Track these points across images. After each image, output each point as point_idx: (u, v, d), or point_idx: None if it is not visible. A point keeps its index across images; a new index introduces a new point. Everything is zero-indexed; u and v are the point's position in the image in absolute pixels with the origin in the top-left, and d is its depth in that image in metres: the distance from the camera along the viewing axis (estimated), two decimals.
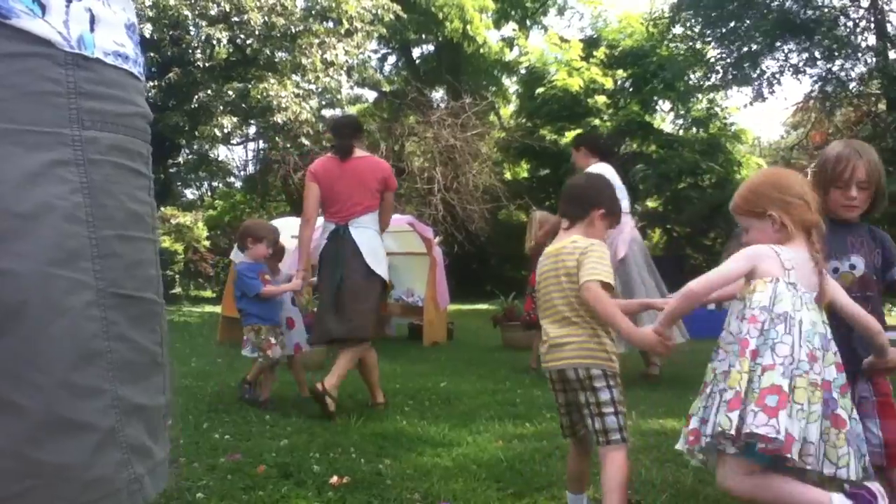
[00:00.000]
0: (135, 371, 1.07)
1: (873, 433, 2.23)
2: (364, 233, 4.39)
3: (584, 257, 2.30)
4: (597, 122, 16.99)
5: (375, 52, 21.82)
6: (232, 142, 17.04)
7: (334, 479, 2.83)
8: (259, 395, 4.54)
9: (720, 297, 2.20)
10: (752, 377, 1.87)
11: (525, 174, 21.48)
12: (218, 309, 10.76)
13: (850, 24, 14.75)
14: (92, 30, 1.05)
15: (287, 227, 6.26)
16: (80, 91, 1.01)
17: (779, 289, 1.97)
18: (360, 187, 4.42)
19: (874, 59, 14.48)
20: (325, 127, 15.19)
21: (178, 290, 17.70)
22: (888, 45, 14.39)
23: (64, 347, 0.97)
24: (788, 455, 1.76)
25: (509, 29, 22.31)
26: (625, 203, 5.27)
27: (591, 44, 18.77)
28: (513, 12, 22.29)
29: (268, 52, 14.22)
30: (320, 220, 4.58)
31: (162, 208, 16.54)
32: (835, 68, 15.16)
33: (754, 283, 2.01)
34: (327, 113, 16.78)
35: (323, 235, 4.51)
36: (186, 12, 13.00)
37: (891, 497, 2.03)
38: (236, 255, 7.43)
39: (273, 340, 4.49)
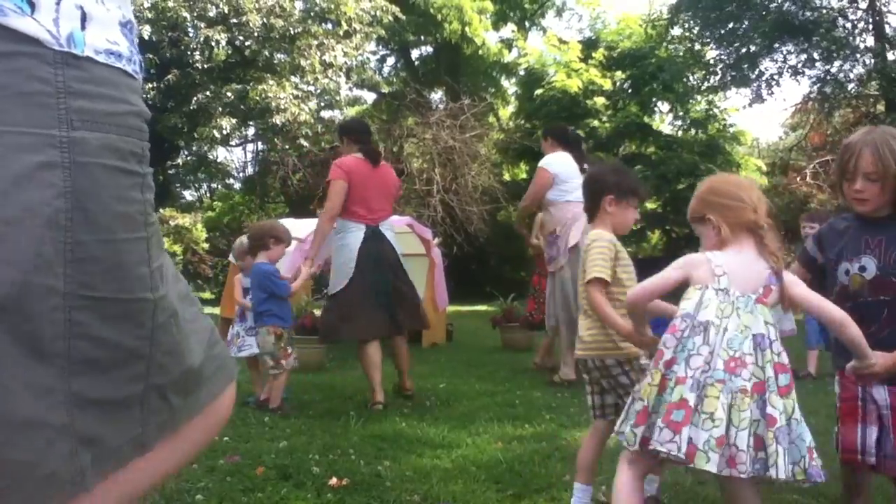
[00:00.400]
0: (98, 366, 1.08)
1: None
2: (393, 236, 4.80)
3: (586, 255, 2.43)
4: (595, 123, 17.00)
5: (374, 53, 21.82)
6: (231, 143, 17.05)
7: (333, 480, 2.83)
8: (259, 397, 4.55)
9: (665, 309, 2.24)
10: (663, 389, 1.91)
11: (524, 175, 21.45)
12: (216, 310, 10.74)
13: (849, 25, 14.79)
14: (83, 28, 1.04)
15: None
16: (70, 90, 1.00)
17: (706, 296, 1.98)
18: (387, 193, 4.82)
19: (872, 61, 14.51)
20: (324, 128, 15.21)
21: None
22: (886, 46, 14.42)
23: (25, 351, 0.98)
24: (691, 465, 1.80)
25: (508, 30, 22.33)
26: (580, 192, 5.35)
27: (589, 45, 18.78)
28: (511, 14, 22.30)
29: (266, 54, 14.23)
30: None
31: (161, 210, 16.53)
32: (833, 69, 15.19)
33: (687, 292, 2.05)
34: (326, 114, 16.80)
35: (346, 234, 4.60)
36: (185, 14, 13.01)
37: None
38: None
39: (290, 350, 4.45)
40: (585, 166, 5.47)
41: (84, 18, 1.04)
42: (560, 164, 5.51)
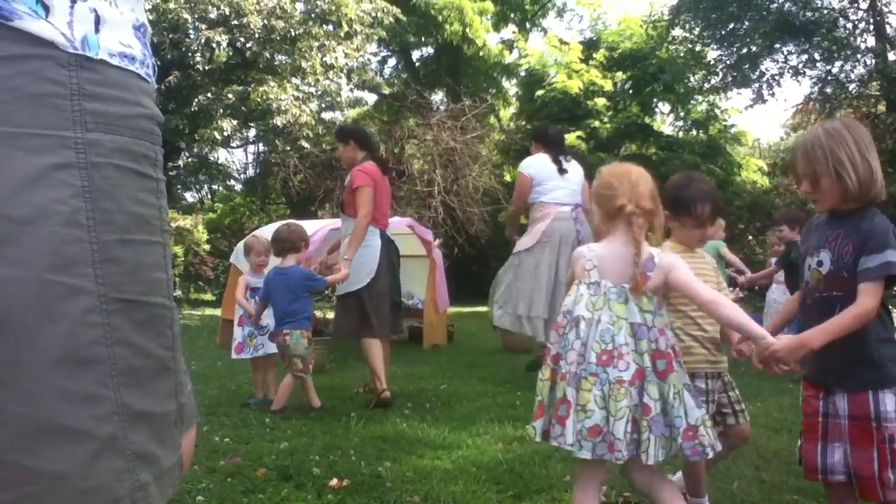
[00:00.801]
0: (140, 376, 1.06)
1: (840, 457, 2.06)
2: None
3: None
4: (596, 124, 16.99)
5: (375, 54, 21.84)
6: (232, 145, 17.05)
7: (334, 481, 2.84)
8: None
9: None
10: (554, 384, 2.03)
11: None
12: (218, 312, 10.76)
13: (850, 25, 14.77)
14: (97, 31, 1.04)
15: None
16: (84, 93, 1.01)
17: (579, 291, 2.03)
18: (390, 200, 5.18)
19: (873, 61, 14.49)
20: (325, 130, 15.21)
21: (178, 293, 17.70)
22: (887, 46, 14.40)
23: (58, 354, 0.96)
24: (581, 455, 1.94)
25: (509, 31, 22.31)
26: (557, 193, 5.45)
27: (590, 46, 18.76)
28: (512, 15, 22.32)
29: (267, 56, 14.24)
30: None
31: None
32: (834, 70, 15.17)
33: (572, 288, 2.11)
34: (327, 116, 16.81)
35: (364, 237, 4.71)
36: (186, 16, 13.02)
37: None
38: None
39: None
40: (565, 164, 5.52)
41: (98, 21, 1.05)
42: (535, 167, 5.55)
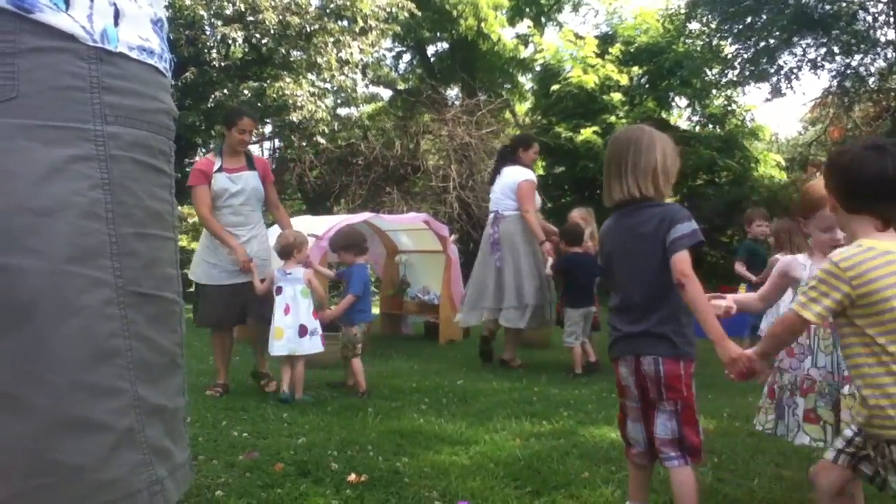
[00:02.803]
0: (153, 371, 1.06)
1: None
2: None
3: None
4: (612, 119, 16.90)
5: (390, 50, 21.84)
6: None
7: (352, 476, 2.84)
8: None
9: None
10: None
11: (540, 171, 21.31)
12: None
13: (869, 18, 14.61)
14: (116, 24, 1.04)
15: (302, 226, 6.25)
16: (103, 85, 1.00)
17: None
18: None
19: (894, 54, 14.33)
20: (341, 126, 15.24)
21: (194, 288, 17.73)
22: None
23: (77, 346, 0.95)
24: None
25: (524, 26, 22.25)
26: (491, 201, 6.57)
27: (606, 40, 18.65)
28: (527, 9, 22.22)
29: (283, 52, 14.27)
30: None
31: (179, 207, 16.60)
32: (854, 63, 15.02)
33: None
34: (343, 112, 16.83)
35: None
36: (202, 12, 13.08)
37: None
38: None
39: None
40: (502, 171, 6.42)
41: (117, 15, 1.05)
42: (525, 175, 6.37)
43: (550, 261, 6.10)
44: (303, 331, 4.60)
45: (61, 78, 0.98)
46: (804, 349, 2.53)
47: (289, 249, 4.70)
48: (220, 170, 4.87)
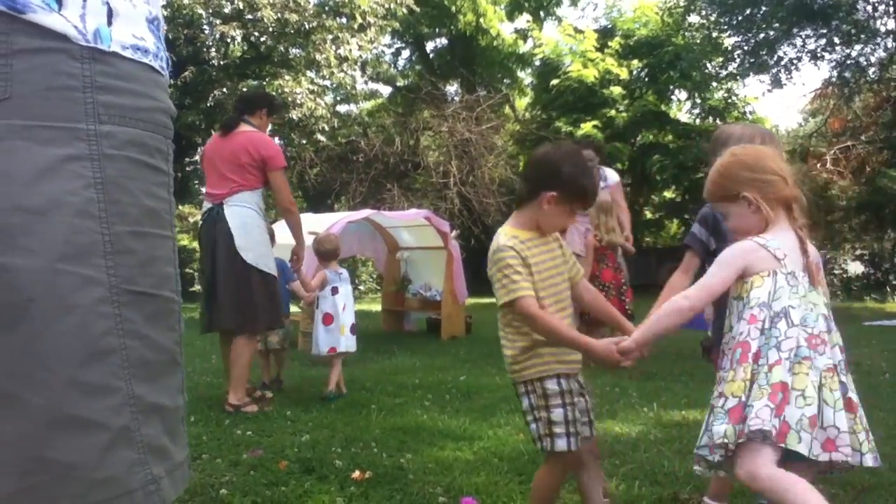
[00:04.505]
0: (152, 369, 1.06)
1: None
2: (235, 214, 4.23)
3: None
4: (612, 112, 16.90)
5: (389, 46, 21.82)
6: None
7: (356, 473, 2.84)
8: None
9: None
10: (756, 378, 1.76)
11: None
12: None
13: (869, 8, 14.57)
14: (109, 23, 1.04)
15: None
16: (97, 85, 1.00)
17: (777, 283, 1.85)
18: (221, 166, 4.28)
19: (894, 44, 14.29)
20: (341, 123, 15.23)
21: (196, 287, 17.76)
22: None
23: (71, 344, 0.96)
24: (782, 445, 1.66)
25: (523, 21, 22.22)
26: None
27: (605, 34, 18.65)
28: (526, 4, 22.17)
29: (282, 49, 14.27)
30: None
31: (179, 206, 16.64)
32: (854, 53, 14.99)
33: (750, 280, 1.87)
34: (342, 109, 16.83)
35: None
36: (200, 11, 13.07)
37: None
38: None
39: None
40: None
41: (110, 14, 1.05)
42: None
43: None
44: (353, 329, 4.76)
45: (54, 78, 0.98)
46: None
47: (335, 253, 4.82)
48: None
